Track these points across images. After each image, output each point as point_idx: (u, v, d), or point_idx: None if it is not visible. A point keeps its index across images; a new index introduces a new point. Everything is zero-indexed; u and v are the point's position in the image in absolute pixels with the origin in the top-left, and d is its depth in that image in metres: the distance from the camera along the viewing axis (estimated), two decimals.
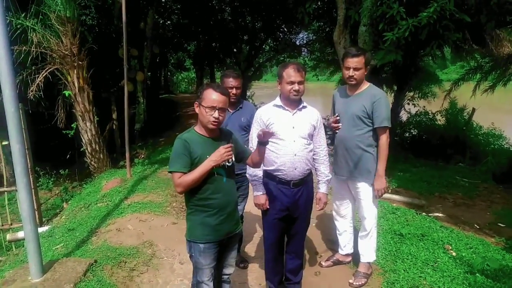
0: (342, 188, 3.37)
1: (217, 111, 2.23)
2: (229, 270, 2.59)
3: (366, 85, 3.12)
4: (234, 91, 3.27)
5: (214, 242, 2.36)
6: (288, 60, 17.55)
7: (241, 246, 3.82)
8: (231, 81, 3.28)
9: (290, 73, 2.68)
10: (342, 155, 3.17)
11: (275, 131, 2.49)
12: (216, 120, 2.25)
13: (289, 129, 2.76)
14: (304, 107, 2.86)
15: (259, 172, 2.82)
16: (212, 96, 2.23)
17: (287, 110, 2.80)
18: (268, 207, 2.87)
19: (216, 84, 2.36)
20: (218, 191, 2.30)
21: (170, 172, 2.26)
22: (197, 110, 2.29)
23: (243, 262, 3.65)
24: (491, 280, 3.11)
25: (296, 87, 2.69)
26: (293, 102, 2.79)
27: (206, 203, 2.30)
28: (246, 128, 3.33)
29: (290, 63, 2.78)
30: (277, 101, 2.86)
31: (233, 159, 2.35)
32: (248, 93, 18.43)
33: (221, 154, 2.20)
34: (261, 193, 2.86)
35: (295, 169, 2.77)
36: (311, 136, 2.85)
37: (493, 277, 3.15)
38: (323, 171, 2.98)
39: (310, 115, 2.86)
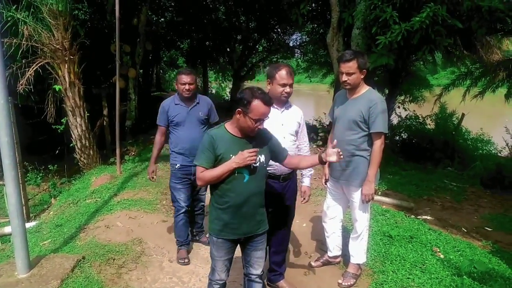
0: (336, 190, 3.38)
1: (262, 121, 2.26)
2: (256, 270, 2.52)
3: (364, 88, 3.07)
4: (187, 86, 3.51)
5: (228, 239, 2.38)
6: (281, 61, 17.61)
7: None
8: (184, 78, 3.51)
9: (283, 75, 2.79)
10: None
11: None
12: (260, 128, 2.28)
13: (278, 126, 2.87)
14: (290, 106, 3.00)
15: None
16: (262, 110, 2.22)
17: (276, 108, 2.88)
18: None
19: (263, 94, 2.25)
20: (235, 190, 2.29)
21: (195, 164, 2.32)
22: (238, 116, 2.24)
23: None
24: (478, 282, 3.15)
25: (287, 89, 2.83)
26: (282, 101, 2.90)
27: (222, 199, 2.32)
28: (204, 121, 3.68)
29: (282, 65, 2.87)
30: None
31: (261, 160, 2.34)
32: None
33: (244, 157, 2.20)
34: None
35: None
36: (296, 133, 3.01)
37: (479, 280, 3.20)
38: None
39: (296, 113, 3.01)
